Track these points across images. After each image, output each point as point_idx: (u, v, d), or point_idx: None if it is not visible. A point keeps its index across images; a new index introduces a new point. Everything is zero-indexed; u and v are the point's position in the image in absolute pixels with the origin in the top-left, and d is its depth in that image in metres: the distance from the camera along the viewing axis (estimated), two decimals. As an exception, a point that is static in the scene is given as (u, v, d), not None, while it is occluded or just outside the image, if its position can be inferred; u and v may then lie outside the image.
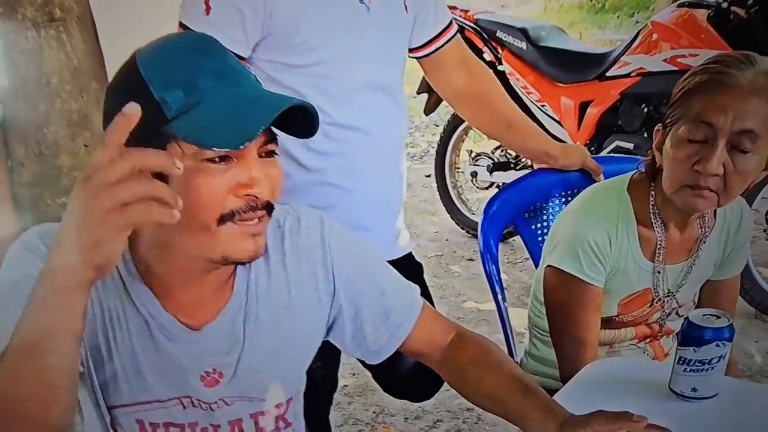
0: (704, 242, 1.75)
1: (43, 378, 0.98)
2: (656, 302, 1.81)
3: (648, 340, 1.90)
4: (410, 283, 1.49)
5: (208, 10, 1.65)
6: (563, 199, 2.26)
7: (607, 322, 1.83)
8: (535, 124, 2.29)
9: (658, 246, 1.72)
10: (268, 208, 1.15)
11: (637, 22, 9.61)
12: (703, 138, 1.52)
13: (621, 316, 1.82)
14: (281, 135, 1.19)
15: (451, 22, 2.07)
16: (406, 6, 1.91)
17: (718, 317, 1.43)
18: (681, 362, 1.44)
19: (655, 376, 1.52)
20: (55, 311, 0.97)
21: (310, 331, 1.39)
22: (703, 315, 1.43)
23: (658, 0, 7.96)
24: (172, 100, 1.07)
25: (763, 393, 1.57)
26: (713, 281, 1.87)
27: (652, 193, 1.70)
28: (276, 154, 1.17)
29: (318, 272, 1.35)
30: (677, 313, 1.85)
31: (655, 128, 1.67)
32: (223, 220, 1.10)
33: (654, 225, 1.71)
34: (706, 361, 1.41)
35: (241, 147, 1.05)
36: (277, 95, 1.15)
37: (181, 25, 1.70)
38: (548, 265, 1.76)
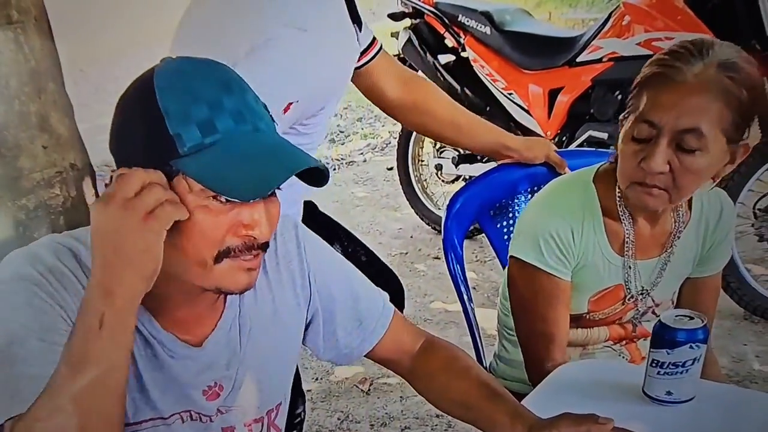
0: (678, 237, 1.80)
1: (110, 398, 1.11)
2: (629, 299, 1.85)
3: (624, 342, 1.95)
4: (380, 290, 1.58)
5: (286, 110, 1.74)
6: (529, 196, 2.32)
7: (578, 320, 1.88)
8: (486, 121, 2.38)
9: (627, 239, 1.77)
10: (264, 246, 1.21)
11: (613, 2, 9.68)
12: (646, 136, 1.57)
13: (592, 314, 1.87)
14: None
15: (374, 40, 2.21)
16: None
17: (692, 318, 1.47)
18: (654, 365, 1.48)
19: (629, 379, 1.57)
20: (117, 330, 1.10)
21: (293, 335, 1.48)
22: (676, 316, 1.48)
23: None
24: (186, 138, 1.11)
25: (743, 398, 1.62)
26: (693, 279, 1.90)
27: (619, 185, 1.73)
28: (279, 188, 1.21)
29: (296, 277, 1.44)
30: (654, 312, 1.90)
31: (620, 117, 1.70)
32: (219, 257, 1.17)
33: (621, 218, 1.76)
34: (680, 363, 1.45)
35: (251, 201, 1.14)
36: (292, 149, 1.19)
37: None
38: (512, 256, 1.82)
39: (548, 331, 1.81)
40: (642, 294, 1.86)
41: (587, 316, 1.89)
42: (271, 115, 1.22)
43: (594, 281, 1.82)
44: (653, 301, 1.88)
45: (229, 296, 1.36)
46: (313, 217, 2.20)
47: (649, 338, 1.88)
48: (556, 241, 1.75)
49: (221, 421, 1.39)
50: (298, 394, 2.30)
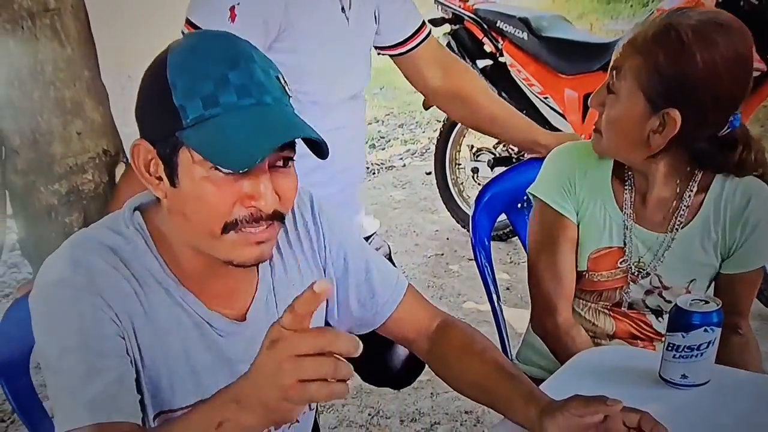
0: (680, 217, 1.79)
1: None
2: (622, 262, 1.85)
3: (642, 345, 1.94)
4: (393, 267, 1.61)
5: (233, 18, 1.75)
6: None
7: (579, 280, 1.90)
8: (522, 115, 2.41)
9: (625, 195, 1.81)
10: (278, 217, 1.22)
11: (651, 11, 9.59)
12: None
13: (591, 273, 1.88)
14: None
15: (423, 25, 2.22)
16: (376, 18, 2.10)
17: (707, 302, 1.48)
18: (670, 348, 1.49)
19: (646, 364, 1.57)
20: None
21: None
22: (691, 300, 1.48)
23: (671, -13, 7.96)
24: (189, 110, 1.14)
25: (759, 383, 1.61)
26: (727, 274, 1.85)
27: None
28: (292, 160, 1.23)
29: (314, 246, 1.47)
30: (661, 295, 1.88)
31: None
32: (227, 228, 1.18)
33: (626, 174, 1.81)
34: (695, 347, 1.46)
35: (241, 172, 1.14)
36: (292, 121, 1.20)
37: (192, 25, 1.78)
38: (529, 193, 1.91)
39: (555, 269, 1.88)
40: (640, 266, 1.85)
41: (586, 275, 1.90)
42: (284, 87, 1.23)
43: (594, 236, 1.86)
44: (660, 281, 1.86)
45: (261, 268, 1.39)
46: None
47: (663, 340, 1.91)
48: (561, 178, 1.84)
49: None
50: None
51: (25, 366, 1.62)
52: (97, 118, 1.95)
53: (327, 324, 1.58)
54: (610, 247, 1.86)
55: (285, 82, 1.24)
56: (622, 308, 1.93)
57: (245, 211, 1.19)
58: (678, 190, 1.79)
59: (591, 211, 1.84)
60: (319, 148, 1.22)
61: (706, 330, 1.46)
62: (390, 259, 2.34)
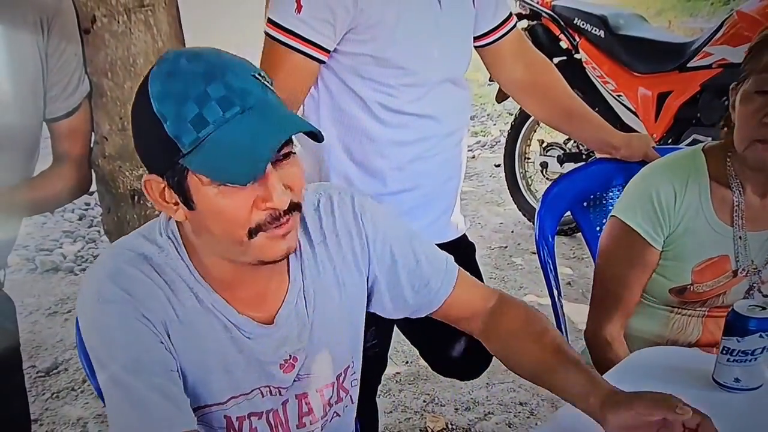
0: None
1: None
2: (740, 272, 1.82)
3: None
4: (442, 252, 1.61)
5: (299, 8, 1.78)
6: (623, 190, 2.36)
7: (682, 293, 1.87)
8: (596, 114, 2.38)
9: (736, 208, 1.77)
10: (295, 207, 1.26)
11: (731, 10, 9.42)
12: None
13: (696, 285, 1.84)
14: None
15: (510, 16, 2.22)
16: (474, 1, 2.08)
17: (764, 308, 1.48)
18: (725, 352, 1.51)
19: (700, 366, 1.59)
20: None
21: (357, 302, 1.53)
22: (749, 305, 1.49)
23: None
24: (185, 138, 1.16)
25: None
26: None
27: (729, 154, 1.75)
28: (294, 153, 1.25)
29: (356, 247, 1.48)
30: (759, 290, 1.86)
31: (731, 86, 1.73)
32: (251, 233, 1.23)
33: (731, 185, 1.76)
34: (749, 351, 1.48)
35: (248, 185, 1.17)
36: (281, 117, 1.22)
37: (270, 21, 1.82)
38: (611, 216, 1.86)
39: (619, 292, 1.85)
40: (753, 267, 1.84)
41: (691, 288, 1.86)
42: (265, 83, 1.23)
43: (696, 250, 1.83)
44: (759, 275, 1.85)
45: (292, 270, 1.43)
46: None
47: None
48: (654, 203, 1.79)
49: (295, 389, 1.46)
50: (382, 362, 2.35)
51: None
52: (182, 108, 2.03)
53: (372, 315, 1.60)
54: (714, 257, 1.84)
55: (263, 77, 1.24)
56: (723, 308, 1.89)
57: (263, 214, 1.22)
58: None
59: (692, 226, 1.81)
60: (314, 135, 1.23)
61: (761, 336, 1.47)
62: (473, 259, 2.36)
